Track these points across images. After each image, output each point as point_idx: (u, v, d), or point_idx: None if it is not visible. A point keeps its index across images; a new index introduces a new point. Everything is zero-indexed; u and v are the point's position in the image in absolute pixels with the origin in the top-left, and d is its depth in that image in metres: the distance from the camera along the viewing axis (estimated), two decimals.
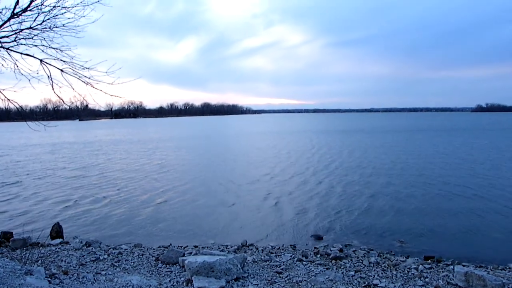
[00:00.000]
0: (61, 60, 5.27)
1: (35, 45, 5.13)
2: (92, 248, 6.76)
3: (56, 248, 6.77)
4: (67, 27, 5.18)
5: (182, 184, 14.26)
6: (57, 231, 8.09)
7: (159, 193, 12.75)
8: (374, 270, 5.66)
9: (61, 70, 5.33)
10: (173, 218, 9.80)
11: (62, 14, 5.03)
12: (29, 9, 4.87)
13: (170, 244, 7.56)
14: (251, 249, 7.14)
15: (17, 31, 4.99)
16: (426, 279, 5.21)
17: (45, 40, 5.15)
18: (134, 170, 17.79)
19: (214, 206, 11.00)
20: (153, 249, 7.00)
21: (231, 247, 7.37)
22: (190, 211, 10.44)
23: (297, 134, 46.58)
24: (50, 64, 5.27)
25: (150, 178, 15.62)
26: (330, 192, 12.37)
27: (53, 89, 5.38)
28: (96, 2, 5.16)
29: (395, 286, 4.94)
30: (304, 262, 6.06)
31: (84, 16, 5.16)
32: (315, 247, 7.38)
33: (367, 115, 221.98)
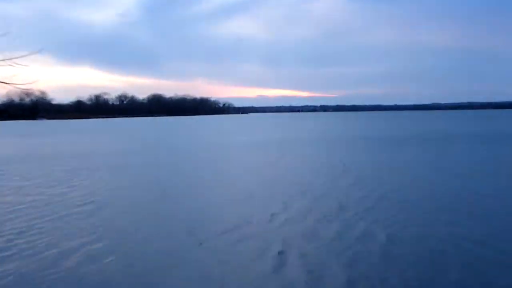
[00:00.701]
0: None
1: None
2: None
3: None
4: None
5: (121, 233, 13.79)
6: None
7: (80, 250, 12.09)
8: None
9: None
10: None
11: None
12: None
13: None
14: None
15: None
16: None
17: None
18: (39, 208, 17.33)
19: (178, 268, 10.52)
20: None
21: None
22: (135, 281, 9.88)
23: (314, 144, 47.32)
24: None
25: (66, 223, 15.01)
26: (371, 246, 12.11)
27: None
28: None
29: None
30: None
31: None
32: None
33: (426, 114, 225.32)
